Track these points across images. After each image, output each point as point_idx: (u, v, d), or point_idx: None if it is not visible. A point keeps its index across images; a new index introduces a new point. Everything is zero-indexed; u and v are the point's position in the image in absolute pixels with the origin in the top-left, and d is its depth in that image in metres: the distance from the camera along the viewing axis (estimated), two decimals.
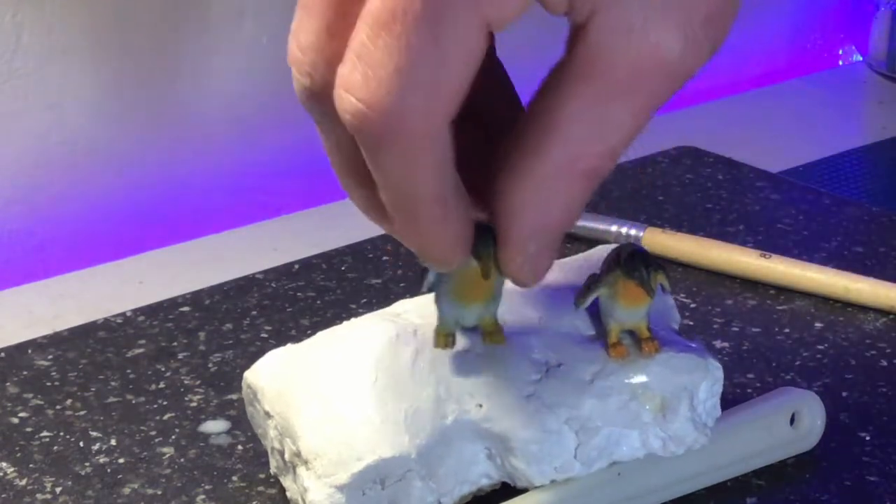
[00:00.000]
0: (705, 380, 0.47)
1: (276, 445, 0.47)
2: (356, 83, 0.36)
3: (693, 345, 0.47)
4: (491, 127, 0.43)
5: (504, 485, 0.47)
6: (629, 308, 0.46)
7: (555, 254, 0.41)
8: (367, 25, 0.36)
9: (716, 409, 0.47)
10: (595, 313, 0.47)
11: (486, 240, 0.41)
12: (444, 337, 0.46)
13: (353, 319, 0.49)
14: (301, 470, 0.45)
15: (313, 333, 0.50)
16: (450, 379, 0.46)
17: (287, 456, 0.46)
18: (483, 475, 0.46)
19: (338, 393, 0.46)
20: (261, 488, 0.50)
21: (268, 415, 0.48)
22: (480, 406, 0.45)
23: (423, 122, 0.37)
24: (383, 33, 0.36)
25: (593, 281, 0.46)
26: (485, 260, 0.42)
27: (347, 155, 0.40)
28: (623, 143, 0.39)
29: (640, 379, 0.46)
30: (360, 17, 0.37)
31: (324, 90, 0.39)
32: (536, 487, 0.46)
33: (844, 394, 0.54)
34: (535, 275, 0.41)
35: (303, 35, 0.39)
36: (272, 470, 0.49)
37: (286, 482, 0.48)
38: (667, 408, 0.46)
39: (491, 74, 0.43)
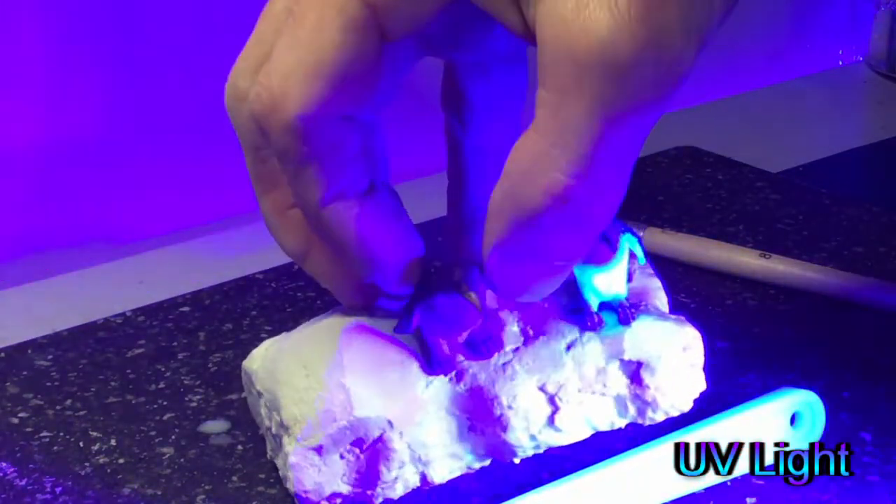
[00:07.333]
0: (682, 347, 0.47)
1: (267, 423, 0.48)
2: (264, 72, 0.41)
3: (672, 316, 0.48)
4: None
5: (498, 478, 0.47)
6: (601, 272, 0.46)
7: (542, 276, 0.41)
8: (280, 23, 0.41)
9: (699, 382, 0.47)
10: (573, 286, 0.47)
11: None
12: None
13: (337, 307, 0.50)
14: (285, 439, 0.46)
15: None
16: None
17: (274, 430, 0.47)
18: (467, 450, 0.47)
19: (319, 363, 0.46)
20: (261, 488, 0.50)
21: (259, 394, 0.48)
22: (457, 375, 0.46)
23: (300, 104, 0.39)
24: (285, 29, 0.40)
25: None
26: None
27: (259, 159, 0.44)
28: (583, 153, 0.37)
29: (616, 347, 0.47)
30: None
31: (246, 95, 0.42)
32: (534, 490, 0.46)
33: (844, 394, 0.54)
34: (517, 290, 0.41)
35: (243, 62, 0.43)
36: (268, 454, 0.49)
37: (279, 461, 0.48)
38: (644, 375, 0.47)
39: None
